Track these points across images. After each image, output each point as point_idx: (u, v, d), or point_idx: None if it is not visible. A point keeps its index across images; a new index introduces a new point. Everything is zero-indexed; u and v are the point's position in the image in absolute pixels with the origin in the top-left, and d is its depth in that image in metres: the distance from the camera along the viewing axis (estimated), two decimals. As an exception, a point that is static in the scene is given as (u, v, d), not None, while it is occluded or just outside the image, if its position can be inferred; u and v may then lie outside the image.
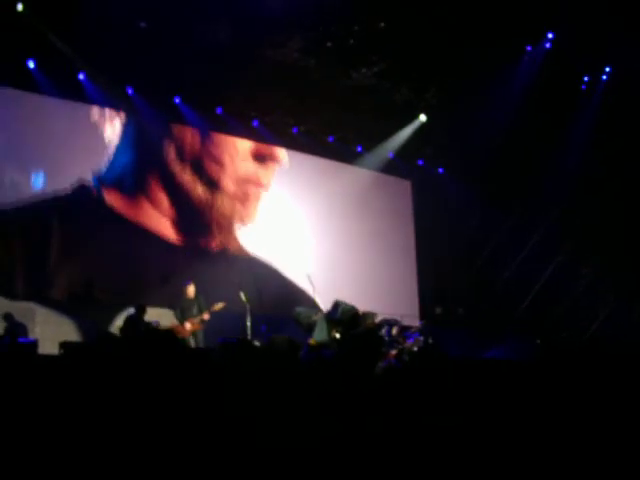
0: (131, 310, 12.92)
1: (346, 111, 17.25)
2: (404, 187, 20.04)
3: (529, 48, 15.71)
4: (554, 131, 16.97)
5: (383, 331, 12.80)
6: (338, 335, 10.83)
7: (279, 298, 16.00)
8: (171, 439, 3.59)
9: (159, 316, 13.12)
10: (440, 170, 20.11)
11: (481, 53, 14.81)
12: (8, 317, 12.15)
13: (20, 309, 12.43)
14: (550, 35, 15.23)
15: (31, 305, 12.87)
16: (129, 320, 12.46)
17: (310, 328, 11.33)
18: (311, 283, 13.47)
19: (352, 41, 14.94)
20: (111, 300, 14.44)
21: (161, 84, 15.29)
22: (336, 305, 11.26)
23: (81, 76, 14.80)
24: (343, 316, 11.06)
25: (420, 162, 19.92)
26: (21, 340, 10.11)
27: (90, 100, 14.96)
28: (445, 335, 14.44)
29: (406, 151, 18.74)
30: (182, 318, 13.49)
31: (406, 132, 18.24)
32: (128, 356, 4.49)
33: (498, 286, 18.35)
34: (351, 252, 18.04)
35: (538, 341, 14.39)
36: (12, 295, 13.24)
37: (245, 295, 13.90)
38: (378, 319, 12.64)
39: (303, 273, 14.61)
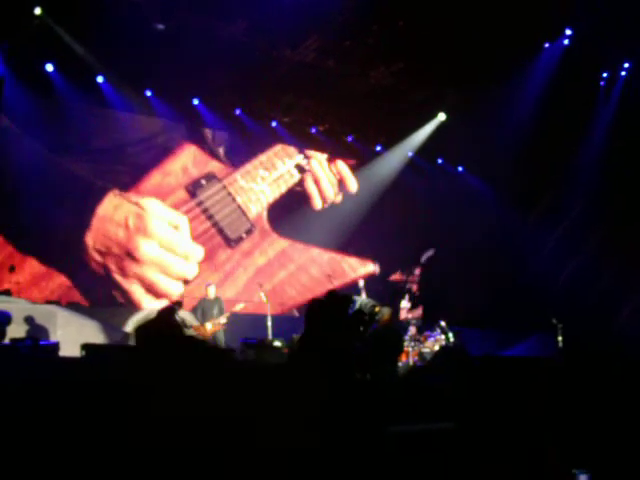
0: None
1: (365, 110, 17.21)
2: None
3: (547, 45, 15.59)
4: (574, 128, 16.84)
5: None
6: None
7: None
8: (192, 437, 3.58)
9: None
10: (460, 169, 20.01)
11: (499, 51, 14.69)
12: (29, 320, 12.16)
13: (41, 312, 12.44)
14: (568, 31, 15.09)
15: (52, 308, 12.87)
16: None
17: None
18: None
19: (370, 40, 14.88)
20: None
21: (179, 86, 15.32)
22: (353, 301, 11.17)
23: (100, 79, 14.82)
24: (364, 310, 11.00)
25: (440, 161, 19.85)
26: (43, 342, 10.09)
27: (109, 103, 14.99)
28: (466, 334, 14.39)
29: (425, 150, 18.70)
30: (203, 319, 13.48)
31: (425, 131, 18.19)
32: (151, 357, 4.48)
33: (520, 284, 18.18)
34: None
35: (560, 338, 14.27)
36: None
37: (265, 295, 13.98)
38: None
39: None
